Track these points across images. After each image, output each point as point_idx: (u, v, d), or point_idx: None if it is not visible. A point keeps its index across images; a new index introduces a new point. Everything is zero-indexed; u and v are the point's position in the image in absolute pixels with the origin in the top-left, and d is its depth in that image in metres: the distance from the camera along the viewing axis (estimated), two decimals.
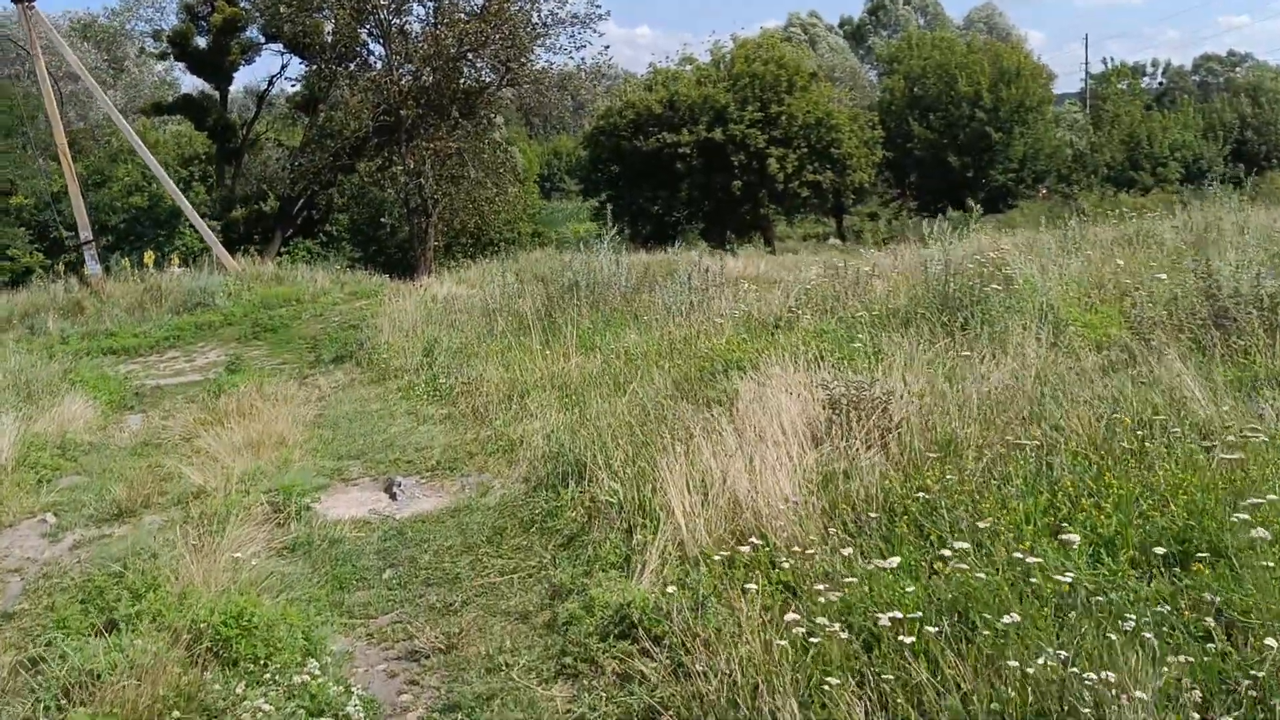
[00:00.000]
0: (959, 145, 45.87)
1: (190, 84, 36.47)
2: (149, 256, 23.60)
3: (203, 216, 29.69)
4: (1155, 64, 72.95)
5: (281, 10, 27.64)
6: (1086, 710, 2.99)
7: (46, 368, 11.80)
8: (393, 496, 7.00)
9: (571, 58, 30.31)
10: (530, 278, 21.57)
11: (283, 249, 32.28)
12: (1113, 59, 58.37)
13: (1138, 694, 2.95)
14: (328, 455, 8.14)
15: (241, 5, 31.48)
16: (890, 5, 71.52)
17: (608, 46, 39.49)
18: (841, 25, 71.05)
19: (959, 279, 8.02)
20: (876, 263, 11.02)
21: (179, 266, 23.30)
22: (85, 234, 22.69)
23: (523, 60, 27.99)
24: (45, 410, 9.64)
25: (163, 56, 36.17)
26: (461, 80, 28.17)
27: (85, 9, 73.40)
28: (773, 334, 8.50)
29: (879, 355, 6.89)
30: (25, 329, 18.79)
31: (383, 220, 33.00)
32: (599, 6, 29.39)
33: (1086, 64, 64.97)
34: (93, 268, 22.44)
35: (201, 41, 32.19)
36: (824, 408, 5.61)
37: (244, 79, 79.79)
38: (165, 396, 12.58)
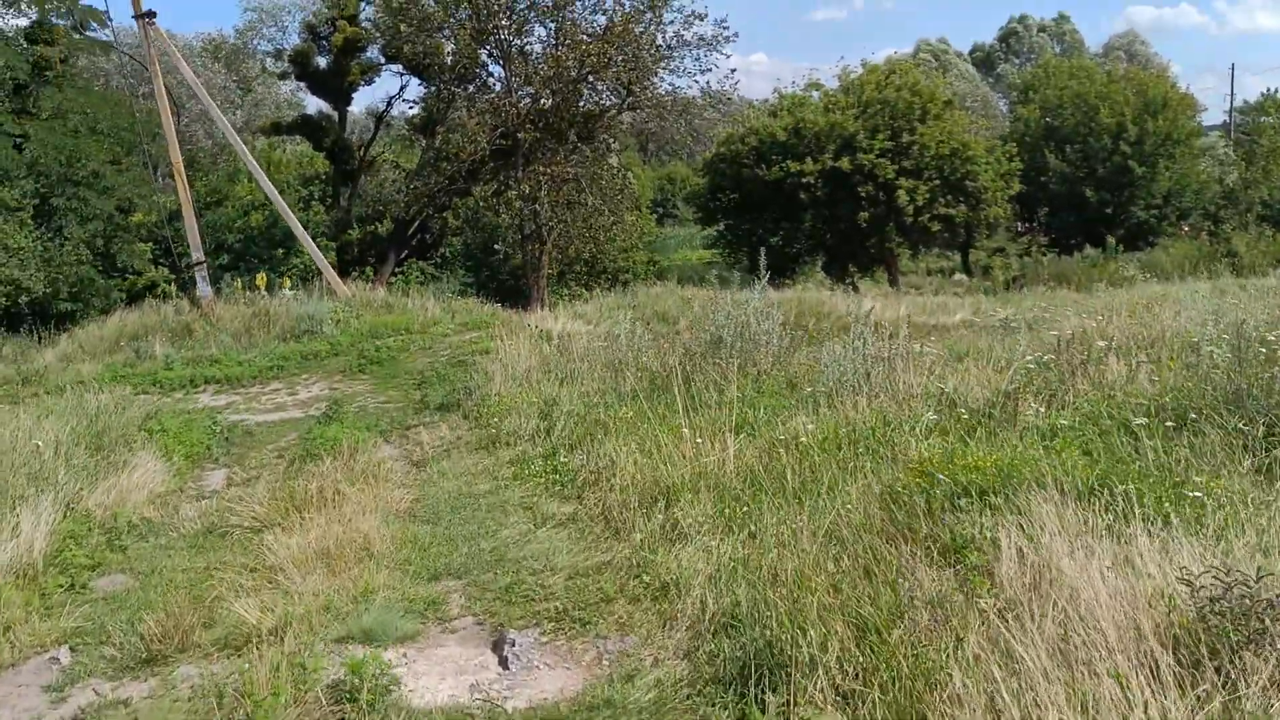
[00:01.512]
0: (1097, 179, 43.06)
1: (314, 104, 36.49)
2: (261, 279, 23.09)
3: (320, 236, 29.37)
4: None
5: (402, 30, 27.08)
6: None
7: (126, 412, 10.73)
8: (503, 663, 5.22)
9: (696, 81, 29.04)
10: (651, 315, 20.26)
11: (397, 270, 31.78)
12: (1275, 90, 54.23)
13: None
14: (422, 573, 6.45)
15: (362, 25, 31.16)
16: (1023, 32, 68.57)
17: (734, 69, 38.13)
18: (972, 53, 68.33)
19: (1250, 367, 6.03)
20: (1084, 324, 9.05)
21: (289, 289, 22.69)
22: (197, 255, 22.25)
23: (645, 84, 26.80)
24: (110, 472, 8.38)
25: (284, 76, 36.25)
26: (581, 103, 27.13)
27: (217, 29, 75.66)
28: (984, 426, 6.59)
29: (1177, 486, 4.94)
30: (132, 352, 18.31)
31: (496, 247, 32.18)
32: (726, 28, 27.85)
33: (1231, 95, 60.82)
34: (204, 290, 22.01)
35: (322, 61, 32.01)
36: (1167, 608, 3.63)
37: (363, 100, 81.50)
38: (256, 445, 11.48)
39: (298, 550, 6.62)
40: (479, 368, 13.40)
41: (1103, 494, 4.96)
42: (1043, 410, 6.51)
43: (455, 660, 5.39)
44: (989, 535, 4.75)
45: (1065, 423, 6.14)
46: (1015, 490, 5.12)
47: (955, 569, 4.63)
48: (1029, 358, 7.26)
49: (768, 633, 4.46)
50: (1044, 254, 43.60)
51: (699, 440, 7.07)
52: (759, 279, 10.72)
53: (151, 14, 20.63)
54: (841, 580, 4.72)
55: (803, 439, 6.73)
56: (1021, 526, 4.68)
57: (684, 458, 6.94)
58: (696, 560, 5.66)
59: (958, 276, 43.68)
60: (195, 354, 17.81)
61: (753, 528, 5.84)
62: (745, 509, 6.12)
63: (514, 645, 5.36)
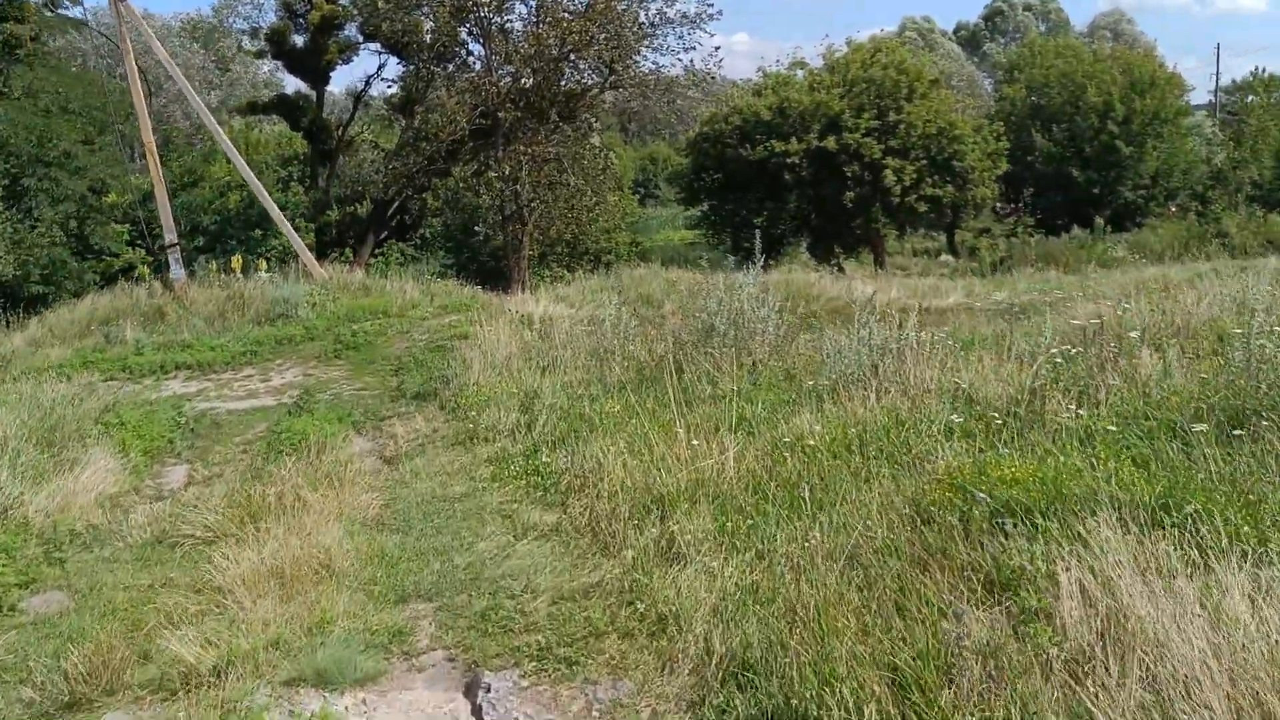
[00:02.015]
0: (1084, 159, 42.78)
1: (293, 84, 35.70)
2: (236, 261, 22.49)
3: (298, 218, 28.72)
4: None
5: (380, 7, 26.47)
6: None
7: (84, 403, 10.13)
8: (477, 713, 4.52)
9: (679, 59, 28.51)
10: (635, 298, 19.80)
11: (376, 251, 31.18)
12: (1263, 69, 53.73)
13: None
14: (388, 594, 5.75)
15: (340, 3, 30.43)
16: (1008, 11, 68.19)
17: (718, 48, 37.53)
18: (956, 31, 67.91)
19: None
20: (1101, 311, 8.49)
21: (265, 272, 22.09)
22: (170, 236, 21.63)
23: (627, 62, 26.27)
24: (59, 471, 7.81)
25: (260, 55, 35.47)
26: (563, 82, 26.60)
27: (196, 9, 74.58)
28: (1008, 428, 5.91)
29: (1250, 505, 4.19)
30: (101, 336, 17.77)
31: (476, 228, 31.62)
32: (710, 5, 27.24)
33: (1217, 75, 60.64)
34: (177, 272, 21.40)
35: (299, 40, 31.28)
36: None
37: (342, 80, 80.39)
38: (223, 436, 11.00)
39: (249, 569, 5.97)
40: (457, 354, 12.94)
41: (1172, 516, 4.31)
42: (1075, 410, 5.94)
43: (422, 708, 4.73)
44: (1043, 567, 4.08)
45: (1114, 428, 5.51)
46: (1066, 510, 4.45)
47: (1004, 607, 4.00)
48: (1054, 350, 6.70)
49: (787, 686, 3.84)
50: (1030, 235, 43.38)
51: (694, 441, 6.53)
52: (752, 262, 10.21)
53: None
54: (873, 621, 4.09)
55: (809, 441, 6.17)
56: (1080, 556, 4.01)
57: (678, 460, 6.36)
58: (698, 586, 5.03)
59: (944, 257, 43.41)
60: (167, 338, 17.31)
61: (760, 546, 5.24)
62: (750, 523, 5.53)
63: (490, 691, 4.68)
